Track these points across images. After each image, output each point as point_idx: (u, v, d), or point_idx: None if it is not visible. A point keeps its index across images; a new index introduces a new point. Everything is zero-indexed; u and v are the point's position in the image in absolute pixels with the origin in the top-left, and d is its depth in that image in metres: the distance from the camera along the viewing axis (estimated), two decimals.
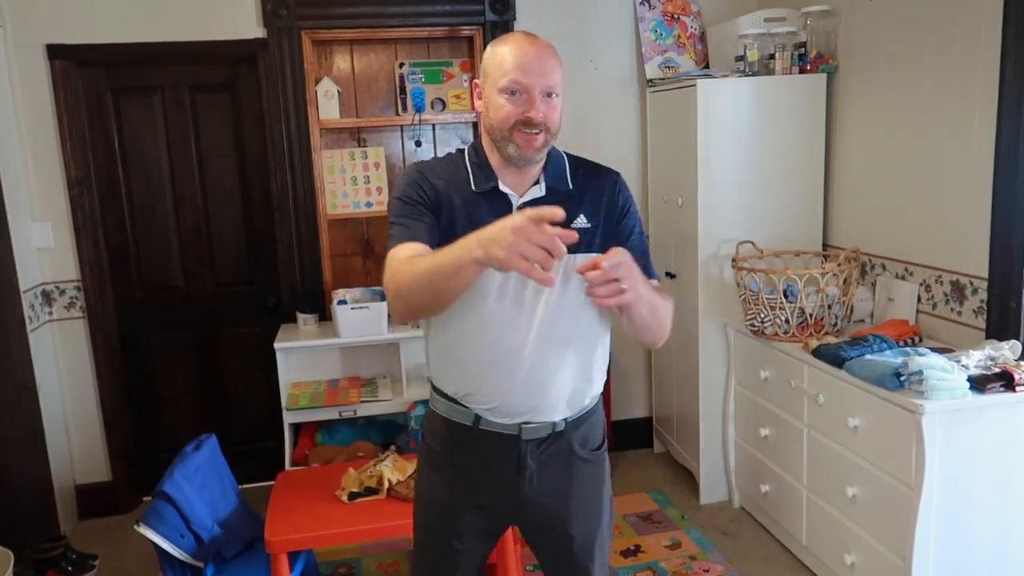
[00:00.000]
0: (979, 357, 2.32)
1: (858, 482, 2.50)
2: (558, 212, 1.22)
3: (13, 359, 3.02)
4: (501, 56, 1.53)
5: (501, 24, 3.58)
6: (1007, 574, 2.33)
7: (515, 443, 1.62)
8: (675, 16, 3.71)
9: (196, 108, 3.56)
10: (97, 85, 3.45)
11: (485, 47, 3.52)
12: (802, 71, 3.22)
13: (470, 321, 1.57)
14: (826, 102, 3.25)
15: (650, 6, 3.69)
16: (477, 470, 1.67)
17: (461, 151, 1.67)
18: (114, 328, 3.58)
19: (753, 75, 3.21)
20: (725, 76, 3.22)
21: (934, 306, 2.77)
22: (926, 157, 2.76)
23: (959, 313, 2.66)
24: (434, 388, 1.71)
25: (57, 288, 3.44)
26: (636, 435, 4.02)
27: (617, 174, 1.72)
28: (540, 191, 1.59)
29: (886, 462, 2.37)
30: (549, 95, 1.52)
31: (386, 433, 3.50)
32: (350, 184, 3.65)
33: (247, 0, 3.39)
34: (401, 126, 3.70)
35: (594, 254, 1.50)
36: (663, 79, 3.60)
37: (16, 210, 3.14)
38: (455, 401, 1.65)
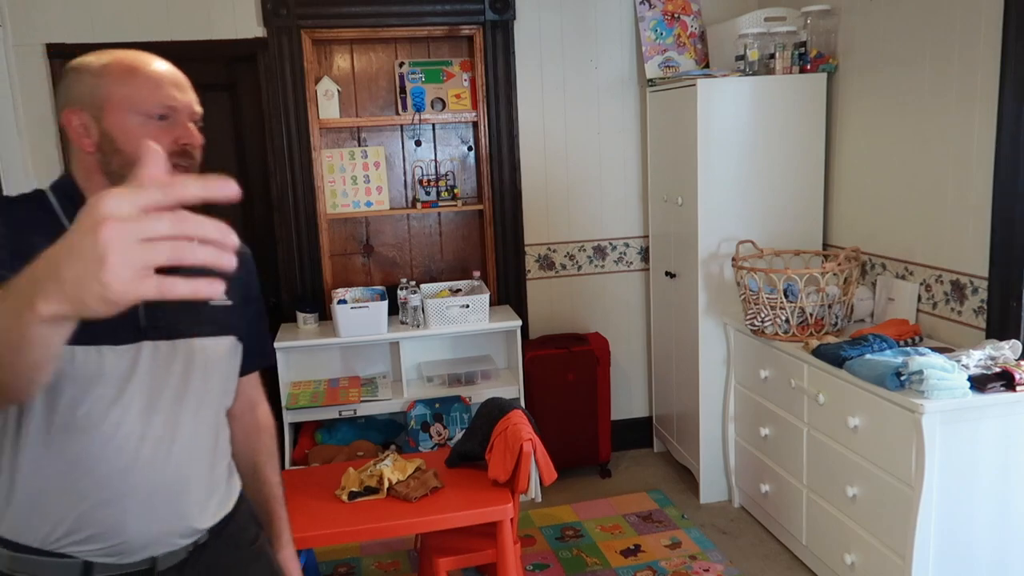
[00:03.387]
0: (979, 357, 2.32)
1: (858, 482, 2.50)
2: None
3: None
4: (139, 74, 1.18)
5: (501, 23, 3.58)
6: (1007, 574, 2.33)
7: None
8: (675, 15, 3.71)
9: None
10: None
11: (485, 46, 3.59)
12: (802, 71, 3.22)
13: (89, 435, 1.13)
14: (826, 102, 3.25)
15: (650, 5, 3.69)
16: None
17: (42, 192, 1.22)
18: None
19: (753, 75, 3.21)
20: (725, 76, 3.22)
21: (934, 306, 2.77)
22: (926, 157, 2.76)
23: (959, 313, 2.66)
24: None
25: None
26: (636, 435, 4.03)
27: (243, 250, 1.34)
28: None
29: (886, 462, 2.37)
30: (195, 120, 1.24)
31: (386, 432, 3.50)
32: (350, 183, 3.65)
33: (247, 0, 3.39)
34: (401, 125, 3.70)
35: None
36: (663, 79, 3.60)
37: None
38: (47, 553, 1.16)
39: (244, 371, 1.39)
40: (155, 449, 1.18)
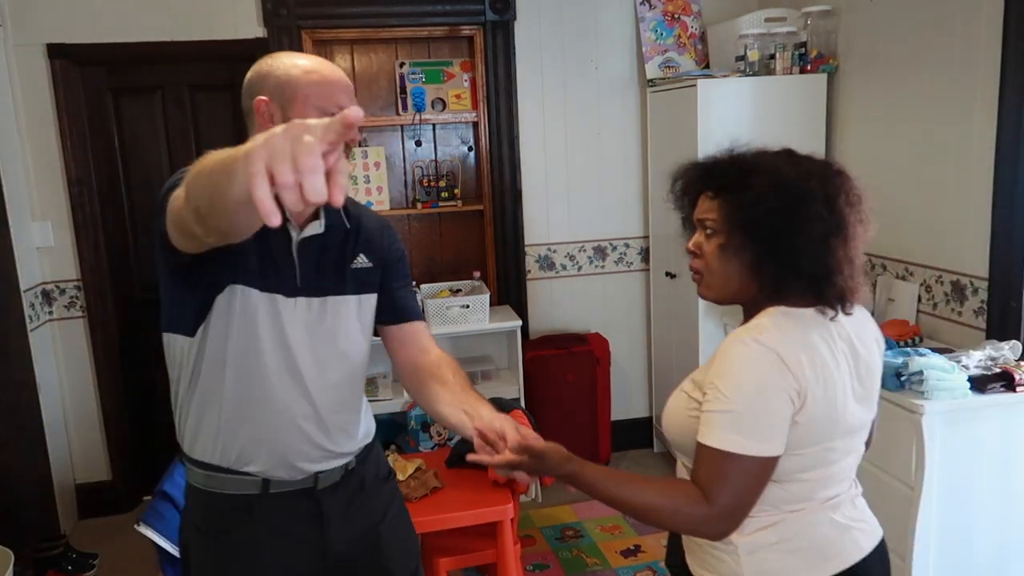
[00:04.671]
0: (979, 357, 2.31)
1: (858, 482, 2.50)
2: (354, 115, 0.78)
3: (13, 359, 3.02)
4: (319, 75, 1.39)
5: (501, 24, 3.58)
6: (1007, 573, 2.33)
7: (311, 496, 1.49)
8: (675, 16, 3.71)
9: (196, 108, 3.56)
10: (97, 85, 3.45)
11: (486, 47, 3.58)
12: (802, 71, 3.22)
13: (253, 367, 1.41)
14: (826, 102, 3.25)
15: (650, 6, 3.69)
16: (274, 541, 1.49)
17: None
18: (114, 328, 3.58)
19: (753, 75, 3.21)
20: (725, 76, 3.22)
21: (934, 306, 2.77)
22: (926, 157, 2.76)
23: (959, 313, 2.65)
24: (194, 462, 1.49)
25: (57, 288, 3.44)
26: (636, 435, 4.02)
27: (388, 222, 1.66)
28: (319, 227, 1.46)
29: (886, 462, 2.37)
30: None
31: (386, 433, 3.50)
32: (350, 184, 3.65)
33: (247, 0, 3.39)
34: (401, 126, 3.70)
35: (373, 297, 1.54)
36: (663, 79, 3.60)
37: (16, 210, 3.14)
38: (229, 471, 1.45)
39: (396, 321, 1.62)
40: (312, 385, 1.44)
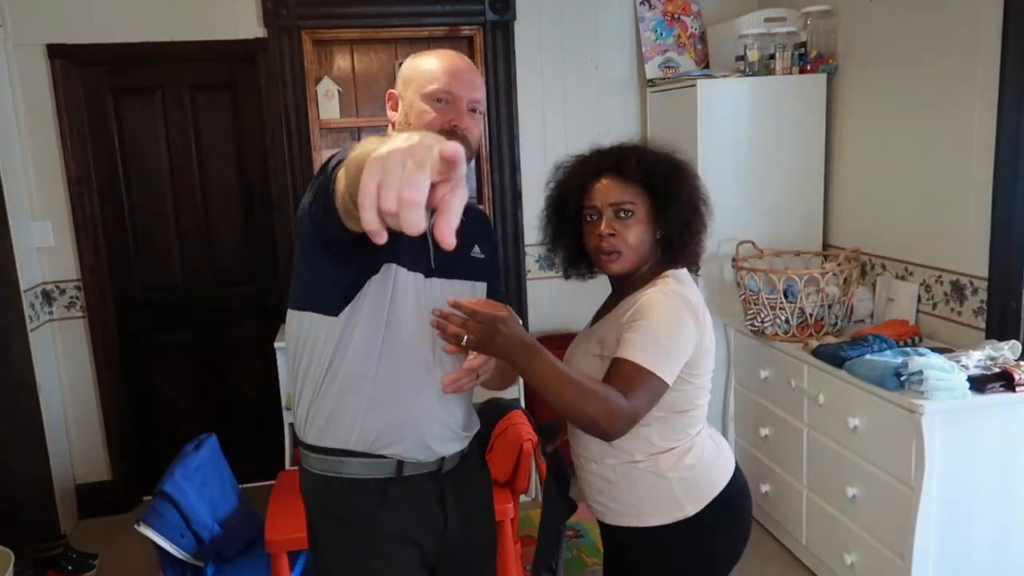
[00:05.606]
0: (979, 357, 2.32)
1: (858, 482, 2.50)
2: (456, 150, 0.74)
3: (13, 359, 3.02)
4: (430, 65, 1.50)
5: (501, 24, 3.58)
6: (1007, 574, 2.33)
7: (436, 479, 1.55)
8: (675, 16, 3.71)
9: (196, 108, 3.56)
10: (97, 85, 3.45)
11: (485, 47, 3.58)
12: (802, 71, 3.22)
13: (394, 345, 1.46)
14: (826, 102, 3.25)
15: (650, 6, 3.69)
16: (406, 525, 1.53)
17: None
18: (114, 328, 3.58)
19: (753, 75, 3.21)
20: (725, 76, 3.22)
21: (934, 306, 2.77)
22: (926, 157, 2.76)
23: (959, 313, 2.66)
24: (323, 450, 1.50)
25: (57, 288, 3.45)
26: None
27: (487, 216, 1.72)
28: None
29: (886, 462, 2.37)
30: (474, 110, 1.51)
31: None
32: None
33: (247, 0, 3.39)
34: None
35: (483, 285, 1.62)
36: (663, 79, 3.60)
37: (16, 210, 3.14)
38: (365, 455, 1.48)
39: None
40: (442, 368, 1.48)
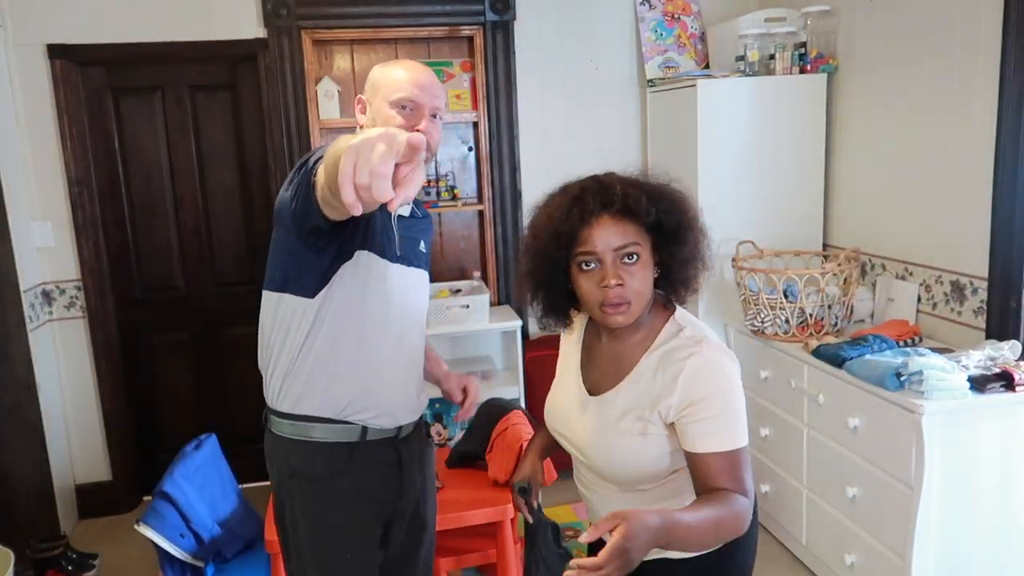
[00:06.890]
0: (979, 357, 2.32)
1: (858, 482, 2.50)
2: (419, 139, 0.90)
3: (13, 359, 3.02)
4: (397, 75, 1.63)
5: (501, 24, 3.58)
6: (1007, 574, 2.33)
7: (394, 445, 1.72)
8: (675, 16, 3.71)
9: (196, 108, 3.56)
10: (97, 85, 3.46)
11: (485, 47, 3.58)
12: (802, 71, 3.22)
13: (371, 322, 1.62)
14: (826, 102, 3.25)
15: (650, 6, 3.69)
16: (366, 486, 1.70)
17: None
18: (114, 328, 3.58)
19: (753, 75, 3.21)
20: (725, 76, 3.22)
21: (934, 306, 2.77)
22: (926, 157, 2.76)
23: (959, 313, 2.66)
24: (295, 416, 1.65)
25: (57, 288, 3.45)
26: None
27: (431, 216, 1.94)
28: (407, 210, 1.73)
29: (886, 462, 2.37)
30: (435, 116, 1.65)
31: None
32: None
33: (247, 0, 3.39)
34: None
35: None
36: (663, 79, 3.60)
37: (16, 210, 3.14)
38: (333, 421, 1.65)
39: None
40: (409, 344, 1.70)
